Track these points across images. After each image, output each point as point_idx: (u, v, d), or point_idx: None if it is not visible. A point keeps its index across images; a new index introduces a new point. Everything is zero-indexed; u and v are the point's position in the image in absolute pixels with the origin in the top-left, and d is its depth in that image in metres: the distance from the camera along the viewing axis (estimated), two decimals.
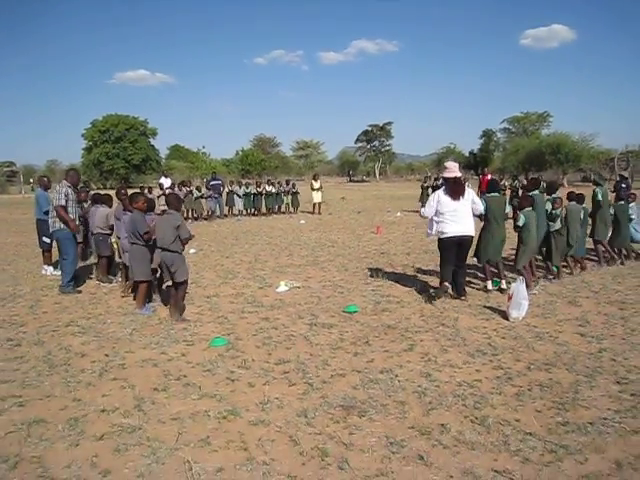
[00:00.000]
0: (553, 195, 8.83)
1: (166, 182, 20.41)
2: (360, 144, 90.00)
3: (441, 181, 7.82)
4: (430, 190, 18.78)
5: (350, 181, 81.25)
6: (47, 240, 9.83)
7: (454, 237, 7.31)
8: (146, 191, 17.57)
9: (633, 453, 3.50)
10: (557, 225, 8.54)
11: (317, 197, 22.58)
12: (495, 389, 4.55)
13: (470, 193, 7.60)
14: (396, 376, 4.81)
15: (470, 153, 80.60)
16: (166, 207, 7.17)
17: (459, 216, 7.32)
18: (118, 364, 5.20)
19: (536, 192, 8.76)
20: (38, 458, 3.49)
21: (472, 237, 7.49)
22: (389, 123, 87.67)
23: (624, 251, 10.25)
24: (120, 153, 65.54)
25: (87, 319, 6.81)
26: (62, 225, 8.19)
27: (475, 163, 72.75)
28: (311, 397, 4.40)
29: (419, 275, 9.24)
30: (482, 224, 8.06)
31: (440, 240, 7.51)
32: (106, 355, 5.46)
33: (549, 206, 8.56)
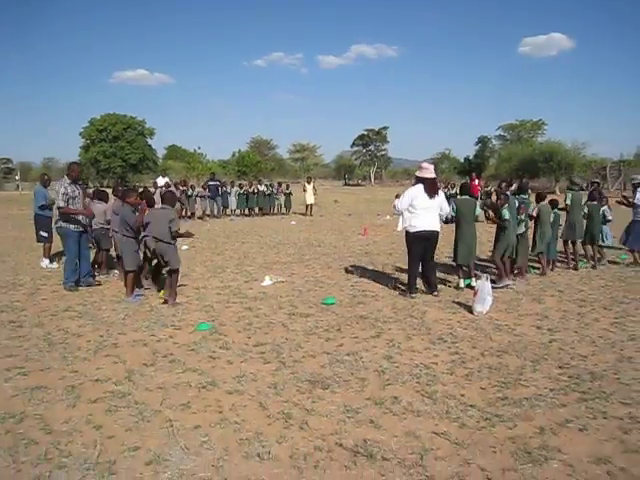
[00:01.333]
0: (522, 196, 9.36)
1: (161, 181, 20.93)
2: (356, 148, 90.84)
3: (414, 180, 8.27)
4: None
5: (346, 185, 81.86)
6: (44, 234, 10.35)
7: (424, 231, 7.87)
8: (140, 190, 18.08)
9: (556, 421, 4.04)
10: (521, 229, 9.08)
11: (309, 199, 23.14)
12: (448, 370, 5.09)
13: (441, 195, 8.18)
14: (361, 358, 5.36)
15: (465, 159, 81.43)
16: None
17: (430, 213, 7.91)
18: (111, 343, 5.75)
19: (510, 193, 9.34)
20: (40, 416, 4.03)
21: (439, 233, 8.08)
22: (385, 128, 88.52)
23: (595, 252, 10.73)
24: (117, 152, 66.09)
25: (83, 305, 7.36)
26: (62, 223, 8.33)
27: (470, 169, 73.47)
28: (282, 373, 4.95)
29: (397, 273, 9.77)
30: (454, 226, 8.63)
31: (409, 234, 8.00)
32: (100, 336, 6.01)
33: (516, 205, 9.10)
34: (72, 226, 8.33)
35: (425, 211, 7.88)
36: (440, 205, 8.07)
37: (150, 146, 71.14)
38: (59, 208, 8.25)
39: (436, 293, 8.03)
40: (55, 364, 5.13)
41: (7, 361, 5.20)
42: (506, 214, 8.44)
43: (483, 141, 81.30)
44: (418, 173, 8.18)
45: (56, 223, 8.58)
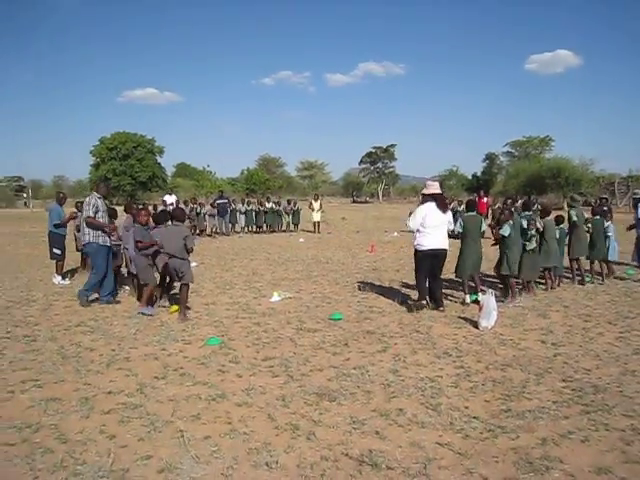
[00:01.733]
0: (527, 213, 9.48)
1: (170, 199, 21.17)
2: (364, 165, 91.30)
3: (421, 197, 8.43)
4: None
5: (354, 202, 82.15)
6: (57, 251, 10.55)
7: (432, 250, 8.00)
8: (150, 207, 18.34)
9: (558, 433, 4.12)
10: (532, 245, 9.17)
11: (316, 216, 23.32)
12: (453, 384, 5.18)
13: (449, 211, 8.34)
14: (367, 372, 5.46)
15: (473, 176, 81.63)
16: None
17: (439, 231, 8.05)
18: (123, 357, 5.89)
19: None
20: (55, 426, 4.17)
21: (447, 251, 8.18)
22: (392, 145, 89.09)
23: (603, 268, 10.80)
24: (127, 170, 66.79)
25: (95, 320, 7.52)
26: (91, 238, 8.46)
27: (478, 186, 73.64)
28: (290, 386, 5.06)
29: (404, 289, 9.88)
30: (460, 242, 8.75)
31: (419, 252, 8.15)
32: (112, 350, 6.15)
33: (525, 224, 9.20)
34: (100, 239, 8.49)
35: (435, 229, 8.01)
36: (449, 220, 8.23)
37: (159, 164, 71.89)
38: (87, 218, 8.43)
39: (442, 309, 8.13)
40: (69, 377, 5.26)
41: (22, 374, 5.34)
42: (506, 231, 8.55)
43: (491, 158, 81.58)
44: (426, 191, 8.32)
45: (83, 239, 8.63)
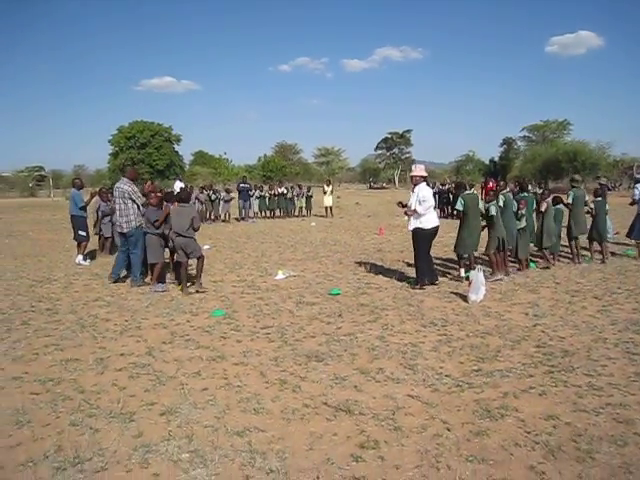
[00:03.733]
0: (521, 195, 9.88)
1: (177, 185, 21.69)
2: (380, 151, 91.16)
3: (420, 180, 8.73)
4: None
5: (370, 188, 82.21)
6: (83, 233, 11.22)
7: (434, 227, 8.58)
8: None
9: (520, 388, 4.60)
10: (522, 224, 9.59)
11: (328, 201, 23.74)
12: (433, 348, 5.66)
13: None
14: (356, 338, 5.99)
15: (490, 161, 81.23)
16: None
17: (433, 210, 8.65)
18: (135, 326, 6.50)
19: (506, 192, 9.84)
20: (74, 380, 4.79)
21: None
22: (408, 131, 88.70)
23: (603, 247, 11.06)
24: (145, 159, 67.44)
25: (111, 296, 8.15)
26: (136, 223, 8.78)
27: (495, 171, 73.30)
28: (284, 349, 5.61)
29: (405, 268, 10.34)
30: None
31: (425, 231, 8.51)
32: (126, 320, 6.77)
33: (515, 206, 9.62)
34: (141, 224, 8.83)
35: (432, 208, 8.51)
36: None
37: (177, 152, 72.44)
38: (143, 205, 8.89)
39: (437, 282, 8.61)
40: (86, 342, 5.89)
41: (45, 340, 5.99)
42: (492, 210, 8.97)
43: (508, 142, 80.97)
44: (420, 173, 8.66)
45: (129, 225, 8.82)
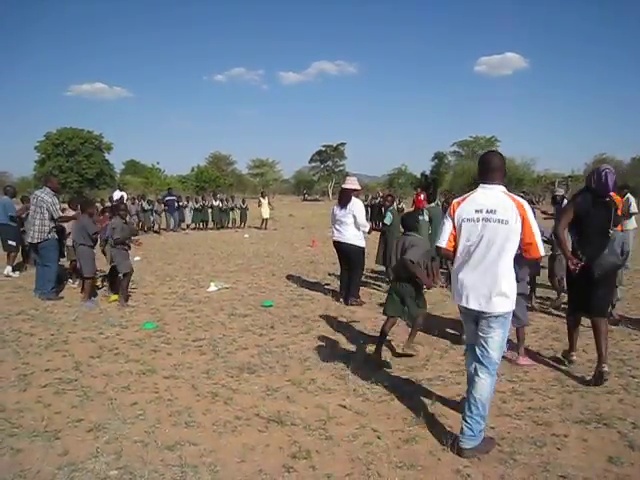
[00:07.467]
0: (430, 205, 10.23)
1: (116, 195, 21.19)
2: (314, 164, 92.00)
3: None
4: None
5: (304, 200, 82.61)
6: (12, 243, 10.73)
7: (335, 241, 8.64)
8: (98, 204, 18.40)
9: (446, 396, 4.77)
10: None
11: (265, 213, 23.77)
12: (365, 359, 5.78)
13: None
14: (288, 349, 6.03)
15: (422, 175, 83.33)
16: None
17: (338, 223, 8.52)
18: (62, 340, 6.28)
19: (433, 205, 10.17)
20: None
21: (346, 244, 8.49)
22: (342, 144, 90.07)
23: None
24: (74, 167, 65.29)
25: (36, 310, 7.82)
26: (49, 235, 8.57)
27: (426, 184, 75.19)
28: (215, 362, 5.58)
29: (336, 280, 10.44)
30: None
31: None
32: (52, 334, 6.53)
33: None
34: (54, 235, 8.72)
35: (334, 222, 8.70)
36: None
37: (107, 161, 70.53)
38: (59, 218, 8.68)
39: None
40: (8, 358, 5.63)
41: None
42: (388, 219, 9.28)
43: (439, 157, 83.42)
44: (354, 186, 8.64)
45: (41, 236, 8.56)
